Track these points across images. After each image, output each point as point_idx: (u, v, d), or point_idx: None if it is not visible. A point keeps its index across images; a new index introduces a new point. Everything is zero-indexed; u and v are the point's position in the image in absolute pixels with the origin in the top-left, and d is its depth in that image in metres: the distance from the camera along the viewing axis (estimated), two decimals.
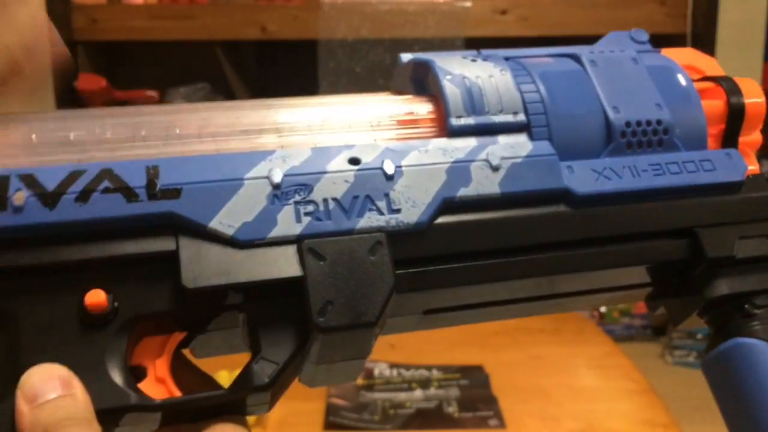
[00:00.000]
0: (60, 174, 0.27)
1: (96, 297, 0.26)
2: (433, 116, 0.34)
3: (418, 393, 0.92)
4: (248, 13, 1.79)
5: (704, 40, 1.75)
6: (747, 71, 1.75)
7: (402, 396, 0.92)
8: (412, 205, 0.30)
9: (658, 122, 0.34)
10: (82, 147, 0.29)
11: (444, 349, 1.07)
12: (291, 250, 0.28)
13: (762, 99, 0.36)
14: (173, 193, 0.28)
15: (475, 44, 1.79)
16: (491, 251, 0.31)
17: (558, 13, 1.77)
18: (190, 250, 0.27)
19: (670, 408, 0.92)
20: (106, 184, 0.27)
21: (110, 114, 0.31)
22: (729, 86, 0.36)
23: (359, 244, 0.29)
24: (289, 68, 1.98)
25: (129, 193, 0.27)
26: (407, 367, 0.99)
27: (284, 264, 0.28)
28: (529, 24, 1.78)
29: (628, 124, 0.34)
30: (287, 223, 0.28)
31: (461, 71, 0.34)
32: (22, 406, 0.24)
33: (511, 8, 1.77)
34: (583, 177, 0.32)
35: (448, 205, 0.30)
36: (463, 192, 0.30)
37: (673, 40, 1.80)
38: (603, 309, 1.90)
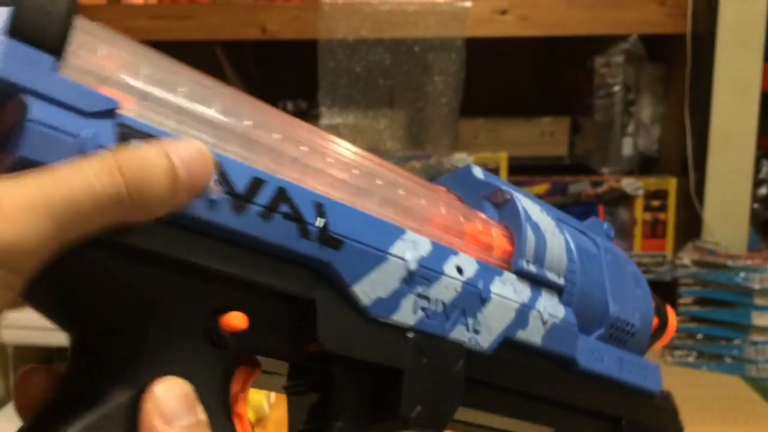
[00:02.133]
0: (244, 176, 0.25)
1: (237, 320, 0.25)
2: (504, 248, 0.36)
3: None
4: (248, 13, 1.79)
5: (704, 40, 1.75)
6: (747, 71, 1.75)
7: None
8: (487, 331, 0.32)
9: (633, 326, 0.41)
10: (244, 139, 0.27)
11: None
12: (400, 338, 0.29)
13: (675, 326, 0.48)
14: (336, 243, 0.27)
15: (475, 44, 1.79)
16: (516, 391, 0.34)
17: (558, 13, 1.77)
18: (327, 306, 0.27)
19: None
20: (285, 208, 0.25)
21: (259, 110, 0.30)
22: (663, 316, 0.46)
23: (453, 352, 0.31)
24: (289, 68, 1.98)
25: (303, 229, 0.26)
26: None
27: (392, 351, 0.29)
28: (529, 24, 1.78)
29: (618, 318, 0.40)
30: (407, 310, 0.29)
31: (537, 219, 0.37)
32: (156, 421, 0.23)
33: (511, 8, 1.77)
34: (585, 352, 0.37)
35: (507, 341, 0.33)
36: (520, 334, 0.34)
37: (673, 40, 1.80)
38: None
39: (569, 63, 2.06)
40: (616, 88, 1.89)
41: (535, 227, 0.36)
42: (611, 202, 1.93)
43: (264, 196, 0.25)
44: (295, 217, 0.26)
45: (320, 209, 0.26)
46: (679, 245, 1.85)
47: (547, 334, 0.35)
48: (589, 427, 0.39)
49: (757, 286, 1.64)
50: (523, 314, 0.34)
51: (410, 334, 0.29)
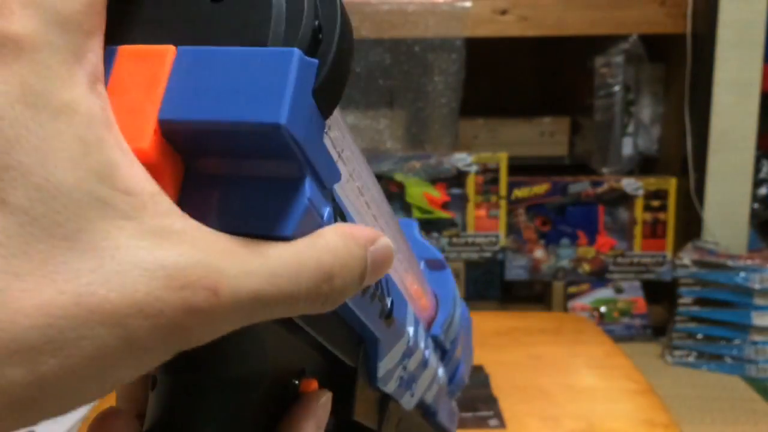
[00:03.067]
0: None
1: (311, 385, 0.25)
2: (430, 313, 0.37)
3: None
4: None
5: (704, 40, 1.75)
6: (747, 71, 1.75)
7: None
8: (413, 395, 0.34)
9: (465, 383, 0.45)
10: None
11: None
12: (379, 404, 0.31)
13: None
14: (390, 321, 0.27)
15: (475, 44, 1.79)
16: None
17: (558, 13, 1.77)
18: (361, 378, 0.28)
19: (670, 408, 0.92)
20: (376, 290, 0.25)
21: None
22: None
23: (399, 413, 0.33)
24: None
25: (383, 308, 0.26)
26: None
27: (376, 416, 0.30)
28: (529, 24, 1.78)
29: (461, 378, 0.43)
30: (394, 381, 0.30)
31: (455, 295, 0.40)
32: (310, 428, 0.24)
33: (511, 8, 1.77)
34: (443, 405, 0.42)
35: (420, 403, 0.36)
36: (426, 397, 0.36)
37: (673, 40, 1.80)
38: (603, 309, 1.90)
39: (569, 63, 2.07)
40: (616, 88, 1.89)
41: (455, 299, 0.39)
42: (611, 202, 1.94)
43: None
44: (381, 296, 0.26)
45: (387, 285, 0.26)
46: (679, 245, 1.85)
47: (435, 396, 0.38)
48: None
49: (757, 286, 1.64)
50: (434, 380, 0.37)
51: (389, 401, 0.31)
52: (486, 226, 1.87)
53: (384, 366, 0.28)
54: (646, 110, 1.96)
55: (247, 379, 0.23)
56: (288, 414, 0.24)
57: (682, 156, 1.84)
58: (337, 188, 0.22)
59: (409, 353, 0.31)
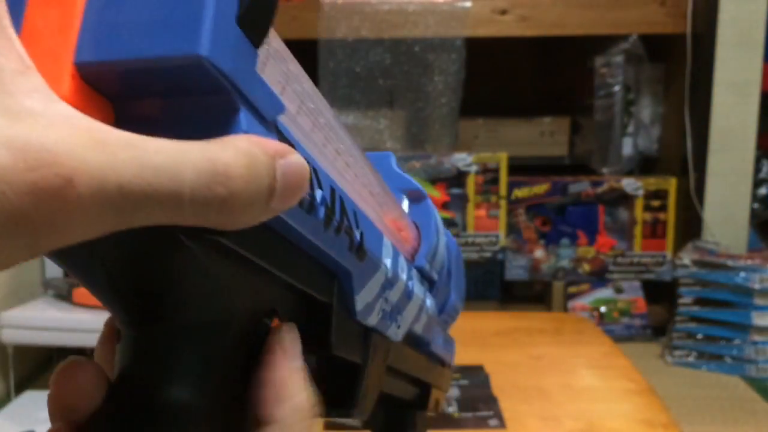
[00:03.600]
0: (326, 185, 0.23)
1: (275, 324, 0.25)
2: (412, 244, 0.38)
3: None
4: None
5: (704, 40, 1.75)
6: (747, 71, 1.75)
7: None
8: (404, 325, 0.34)
9: (458, 311, 0.45)
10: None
11: None
12: (363, 337, 0.30)
13: None
14: (363, 255, 0.27)
15: (475, 44, 1.79)
16: (391, 368, 0.37)
17: (558, 13, 1.77)
18: (338, 312, 0.27)
19: (670, 408, 0.92)
20: (344, 220, 0.24)
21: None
22: None
23: (386, 346, 0.33)
24: None
25: (351, 241, 0.25)
26: None
27: (359, 349, 0.30)
28: (529, 24, 1.78)
29: (453, 307, 0.44)
30: (376, 313, 0.30)
31: (437, 219, 0.40)
32: (279, 356, 0.23)
33: (511, 8, 1.77)
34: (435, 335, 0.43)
35: (407, 333, 0.36)
36: (415, 328, 0.36)
37: (673, 40, 1.80)
38: (603, 309, 1.90)
39: (569, 63, 2.07)
40: (616, 88, 1.89)
41: (437, 228, 0.39)
42: (611, 202, 1.94)
43: (330, 205, 0.23)
44: (348, 229, 0.25)
45: (356, 219, 0.26)
46: (679, 245, 1.85)
47: (425, 325, 0.38)
48: (412, 391, 0.44)
49: (757, 286, 1.65)
50: (421, 310, 0.36)
51: (371, 334, 0.30)
52: (486, 226, 1.87)
53: (362, 299, 0.28)
54: (646, 110, 1.96)
55: (213, 324, 0.22)
56: (262, 354, 0.23)
57: (682, 156, 1.84)
58: (299, 132, 0.22)
59: (389, 285, 0.30)
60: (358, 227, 0.26)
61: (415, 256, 0.37)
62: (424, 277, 0.37)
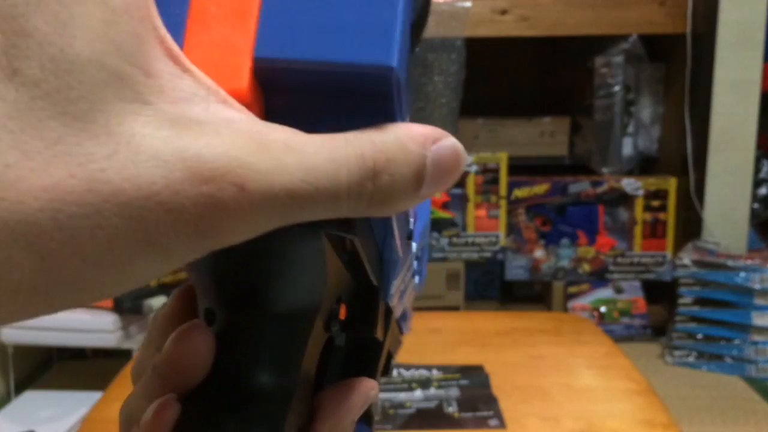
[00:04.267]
0: None
1: (343, 310, 0.25)
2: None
3: (418, 393, 0.92)
4: None
5: (704, 40, 1.75)
6: (747, 71, 1.75)
7: (402, 396, 0.92)
8: (402, 304, 0.34)
9: (423, 284, 0.44)
10: None
11: (444, 349, 1.06)
12: (384, 318, 0.31)
13: None
14: (409, 243, 0.27)
15: (475, 44, 1.79)
16: None
17: (558, 13, 1.77)
18: (381, 299, 0.27)
19: (670, 408, 0.92)
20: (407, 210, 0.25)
21: None
22: None
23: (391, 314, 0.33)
24: None
25: (408, 234, 0.26)
26: (407, 367, 0.99)
27: (383, 330, 0.30)
28: (529, 24, 1.78)
29: (423, 281, 0.43)
30: (398, 296, 0.30)
31: (428, 203, 0.40)
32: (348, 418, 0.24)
33: (511, 8, 1.77)
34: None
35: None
36: (406, 304, 0.36)
37: (673, 40, 1.80)
38: (603, 309, 1.90)
39: (569, 63, 2.07)
40: (616, 88, 1.89)
41: (428, 207, 0.39)
42: (611, 202, 1.94)
43: None
44: (407, 218, 0.25)
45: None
46: (679, 245, 1.85)
47: (410, 302, 0.38)
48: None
49: (757, 286, 1.65)
50: (413, 288, 0.37)
51: (390, 314, 0.31)
52: (486, 226, 1.87)
53: (395, 284, 0.28)
54: (646, 110, 1.96)
55: (304, 311, 0.22)
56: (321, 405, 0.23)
57: (682, 156, 1.84)
58: None
59: (408, 268, 0.31)
60: (410, 216, 0.26)
61: (413, 230, 0.37)
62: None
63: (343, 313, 0.25)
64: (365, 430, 0.37)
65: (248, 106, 0.16)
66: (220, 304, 0.22)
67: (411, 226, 0.26)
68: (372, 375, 0.30)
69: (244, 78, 0.16)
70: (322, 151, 0.16)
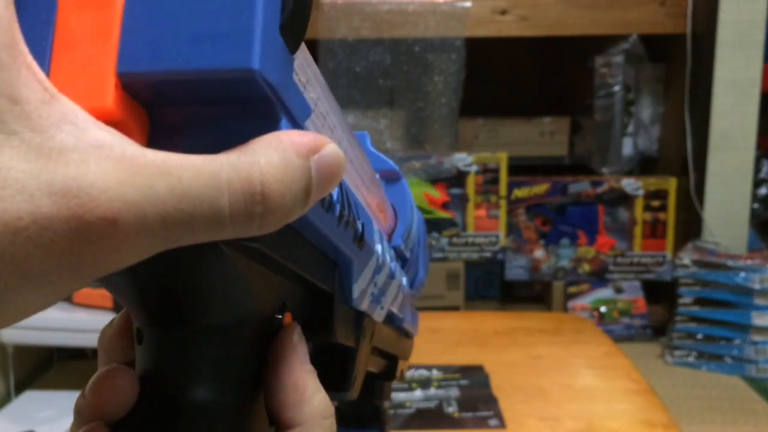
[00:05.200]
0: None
1: (288, 318, 0.25)
2: (389, 223, 0.38)
3: (418, 393, 0.92)
4: None
5: (704, 40, 1.75)
6: (747, 71, 1.75)
7: (402, 396, 0.92)
8: (383, 308, 0.34)
9: (423, 284, 0.45)
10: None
11: (444, 349, 1.07)
12: (356, 321, 0.31)
13: None
14: (362, 244, 0.27)
15: (475, 44, 1.79)
16: (375, 348, 0.38)
17: (558, 13, 1.77)
18: (338, 301, 0.27)
19: (670, 408, 0.92)
20: (349, 213, 0.25)
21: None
22: None
23: (373, 327, 0.33)
24: None
25: (355, 233, 0.26)
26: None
27: (353, 334, 0.30)
28: (529, 24, 1.78)
29: (421, 282, 0.44)
30: (367, 299, 0.30)
31: (412, 205, 0.40)
32: (296, 358, 0.24)
33: (511, 8, 1.77)
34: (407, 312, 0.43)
35: (387, 315, 0.36)
36: (392, 308, 0.37)
37: (673, 40, 1.80)
38: (603, 309, 1.90)
39: (569, 63, 2.07)
40: (616, 88, 1.89)
41: (412, 208, 0.39)
42: (611, 202, 1.94)
43: (341, 201, 0.23)
44: (353, 222, 0.25)
45: (357, 210, 0.26)
46: (679, 245, 1.85)
47: (400, 304, 0.39)
48: (382, 364, 0.45)
49: (757, 286, 1.65)
50: (399, 290, 0.37)
51: (363, 318, 0.31)
52: (486, 226, 1.87)
53: (358, 287, 0.28)
54: (646, 110, 1.96)
55: (234, 323, 0.22)
56: (273, 355, 0.23)
57: (682, 156, 1.84)
58: (313, 129, 0.21)
59: (378, 270, 0.31)
60: (359, 218, 0.26)
61: (392, 236, 0.37)
62: (398, 256, 0.38)
63: (288, 319, 0.25)
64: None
65: (120, 124, 0.16)
66: (147, 322, 0.22)
67: (358, 228, 0.26)
68: (346, 381, 0.30)
69: (108, 95, 0.16)
70: (200, 175, 0.16)
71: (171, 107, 0.17)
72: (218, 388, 0.22)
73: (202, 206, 0.16)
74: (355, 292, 0.28)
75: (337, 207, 0.23)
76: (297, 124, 0.19)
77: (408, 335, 0.48)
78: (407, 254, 0.39)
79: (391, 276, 0.34)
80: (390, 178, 0.41)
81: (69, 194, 0.14)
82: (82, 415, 0.22)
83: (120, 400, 0.21)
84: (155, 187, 0.15)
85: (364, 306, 0.30)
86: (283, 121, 0.18)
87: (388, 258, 0.33)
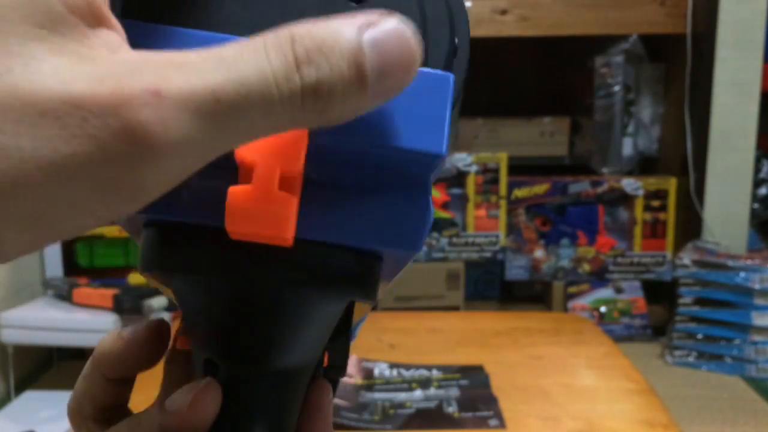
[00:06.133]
0: None
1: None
2: None
3: (418, 393, 0.92)
4: None
5: (704, 40, 1.75)
6: (747, 71, 1.75)
7: (402, 396, 0.92)
8: None
9: None
10: None
11: (444, 349, 1.07)
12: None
13: None
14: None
15: (475, 44, 1.80)
16: None
17: (558, 13, 1.77)
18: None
19: (670, 408, 0.92)
20: None
21: None
22: None
23: None
24: None
25: None
26: (407, 367, 0.99)
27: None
28: (529, 24, 1.78)
29: None
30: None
31: None
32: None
33: (511, 8, 1.77)
34: None
35: None
36: None
37: (673, 40, 1.80)
38: (603, 309, 1.90)
39: (569, 63, 2.07)
40: (616, 88, 1.89)
41: None
42: (611, 202, 1.94)
43: None
44: None
45: None
46: (679, 245, 1.85)
47: None
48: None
49: (757, 286, 1.65)
50: None
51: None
52: (486, 226, 1.87)
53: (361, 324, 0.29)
54: (646, 110, 1.96)
55: (304, 366, 0.23)
56: (305, 409, 0.24)
57: (682, 156, 1.84)
58: None
59: None
60: None
61: None
62: None
63: (326, 360, 0.25)
64: None
65: (297, 179, 0.17)
66: (222, 356, 0.22)
67: None
68: (343, 365, 0.31)
69: (301, 157, 0.17)
70: (242, 52, 0.15)
71: (338, 167, 0.18)
72: (278, 427, 0.22)
73: (250, 77, 0.15)
74: (359, 329, 0.28)
75: None
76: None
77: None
78: None
79: None
80: None
81: (109, 75, 0.14)
82: (166, 430, 0.21)
83: (209, 417, 0.21)
84: (200, 66, 0.15)
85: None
86: (430, 195, 0.19)
87: None
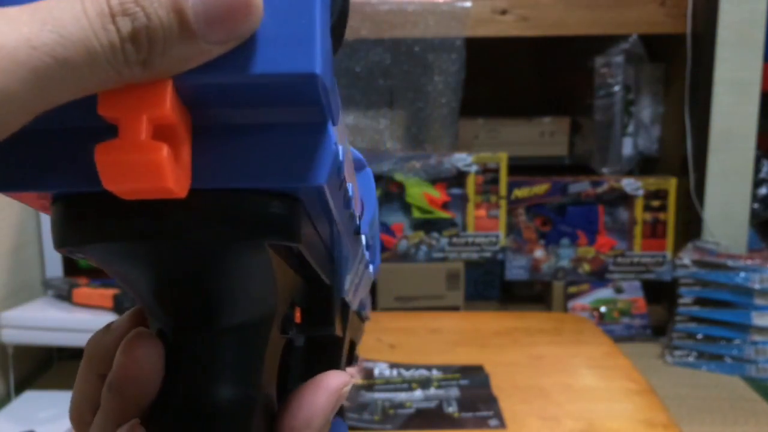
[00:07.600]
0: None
1: (298, 312, 0.25)
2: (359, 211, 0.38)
3: (418, 393, 0.92)
4: None
5: (704, 40, 1.75)
6: (747, 71, 1.75)
7: (402, 396, 0.92)
8: (357, 296, 0.34)
9: (377, 271, 0.44)
10: None
11: (444, 349, 1.07)
12: (341, 312, 0.31)
13: None
14: (357, 238, 0.28)
15: (475, 44, 1.79)
16: None
17: (558, 13, 1.77)
18: (336, 296, 0.28)
19: (670, 408, 0.92)
20: (353, 209, 0.25)
21: None
22: None
23: (349, 315, 0.34)
24: None
25: (355, 230, 0.27)
26: (407, 367, 0.99)
27: (341, 324, 0.30)
28: (529, 24, 1.78)
29: (377, 269, 0.43)
30: (352, 289, 0.31)
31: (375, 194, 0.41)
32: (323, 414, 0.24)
33: (511, 8, 1.77)
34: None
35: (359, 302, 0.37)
36: (362, 295, 0.37)
37: (673, 40, 1.80)
38: (603, 309, 1.90)
39: (569, 63, 2.06)
40: (616, 88, 1.89)
41: (375, 196, 0.39)
42: (611, 202, 1.94)
43: (349, 189, 0.23)
44: (353, 214, 0.25)
45: (352, 201, 0.26)
46: (679, 245, 1.85)
47: (365, 291, 0.39)
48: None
49: (757, 286, 1.65)
50: (368, 278, 0.37)
51: (348, 308, 0.31)
52: (486, 226, 1.87)
53: (349, 278, 0.29)
54: (646, 110, 1.96)
55: (257, 322, 0.22)
56: (311, 382, 0.24)
57: (682, 156, 1.84)
58: None
59: (360, 260, 0.31)
60: (357, 211, 0.27)
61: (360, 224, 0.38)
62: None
63: (298, 316, 0.25)
64: (337, 421, 0.37)
65: (171, 127, 0.16)
66: (170, 323, 0.22)
67: (357, 221, 0.26)
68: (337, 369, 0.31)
69: (166, 102, 0.16)
70: (59, 2, 0.15)
71: (215, 108, 0.17)
72: (242, 387, 0.22)
73: (69, 27, 0.14)
74: (347, 283, 0.28)
75: (351, 203, 0.23)
76: (333, 124, 0.19)
77: (363, 321, 0.49)
78: (371, 242, 0.40)
79: (366, 265, 0.34)
80: (356, 167, 0.41)
81: None
82: (114, 388, 0.21)
83: (150, 366, 0.21)
84: (14, 16, 0.14)
85: (349, 297, 0.30)
86: (330, 124, 0.18)
87: (364, 247, 0.33)
